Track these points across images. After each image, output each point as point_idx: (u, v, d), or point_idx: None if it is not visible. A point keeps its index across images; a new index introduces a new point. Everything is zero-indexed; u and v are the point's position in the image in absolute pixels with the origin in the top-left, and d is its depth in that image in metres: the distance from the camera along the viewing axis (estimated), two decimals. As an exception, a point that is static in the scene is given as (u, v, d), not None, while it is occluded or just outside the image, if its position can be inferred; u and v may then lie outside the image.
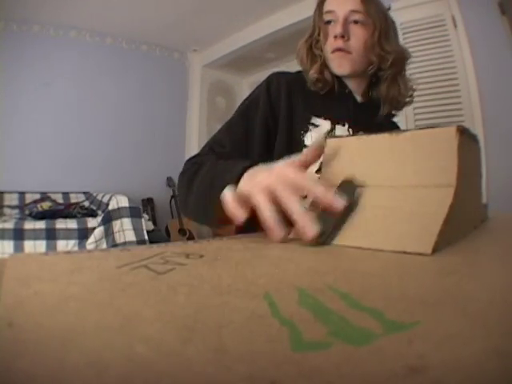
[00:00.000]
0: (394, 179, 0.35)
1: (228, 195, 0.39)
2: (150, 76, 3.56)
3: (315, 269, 0.25)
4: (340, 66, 0.75)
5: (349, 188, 0.35)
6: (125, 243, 2.20)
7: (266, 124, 0.73)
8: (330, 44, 0.75)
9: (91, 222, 2.26)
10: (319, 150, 0.40)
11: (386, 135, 0.36)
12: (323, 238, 0.33)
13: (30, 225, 2.10)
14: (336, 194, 0.33)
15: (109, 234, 2.23)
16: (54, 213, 2.39)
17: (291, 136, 0.74)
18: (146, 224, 2.45)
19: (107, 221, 2.25)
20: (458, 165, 0.31)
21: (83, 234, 2.19)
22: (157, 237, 2.60)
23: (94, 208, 2.63)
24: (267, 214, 0.35)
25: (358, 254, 0.29)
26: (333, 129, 0.76)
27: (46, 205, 2.57)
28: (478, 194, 0.45)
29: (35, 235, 2.07)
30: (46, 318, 0.15)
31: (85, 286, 0.20)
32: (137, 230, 2.29)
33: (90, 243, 2.16)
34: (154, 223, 3.13)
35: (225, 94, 4.01)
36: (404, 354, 0.12)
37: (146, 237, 2.33)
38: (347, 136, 0.42)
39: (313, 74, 0.76)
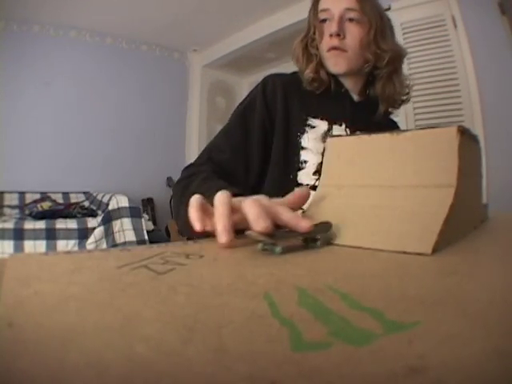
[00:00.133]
0: (394, 179, 0.35)
1: (193, 201, 0.37)
2: (149, 76, 3.56)
3: (315, 269, 0.25)
4: (336, 64, 0.74)
5: (324, 227, 0.34)
6: (125, 243, 2.20)
7: (264, 126, 0.73)
8: (326, 42, 0.75)
9: (91, 222, 2.26)
10: (302, 198, 0.40)
11: (387, 135, 0.36)
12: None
13: (29, 225, 2.10)
14: (310, 227, 0.32)
15: (109, 234, 2.23)
16: (53, 213, 2.39)
17: (288, 138, 0.74)
18: (146, 224, 2.46)
19: (107, 221, 2.25)
20: (459, 165, 0.31)
21: (83, 234, 2.19)
22: (157, 237, 2.60)
23: (94, 208, 2.63)
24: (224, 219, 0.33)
25: (358, 254, 0.29)
26: (330, 129, 0.75)
27: (46, 205, 2.57)
28: (478, 194, 0.45)
29: (35, 235, 2.07)
30: (46, 318, 0.15)
31: (85, 286, 0.20)
32: (137, 230, 2.29)
33: (90, 243, 2.17)
34: (154, 223, 3.13)
35: (225, 94, 4.01)
36: (404, 354, 0.12)
37: (146, 237, 2.33)
38: (347, 136, 0.41)
39: (308, 73, 0.76)
